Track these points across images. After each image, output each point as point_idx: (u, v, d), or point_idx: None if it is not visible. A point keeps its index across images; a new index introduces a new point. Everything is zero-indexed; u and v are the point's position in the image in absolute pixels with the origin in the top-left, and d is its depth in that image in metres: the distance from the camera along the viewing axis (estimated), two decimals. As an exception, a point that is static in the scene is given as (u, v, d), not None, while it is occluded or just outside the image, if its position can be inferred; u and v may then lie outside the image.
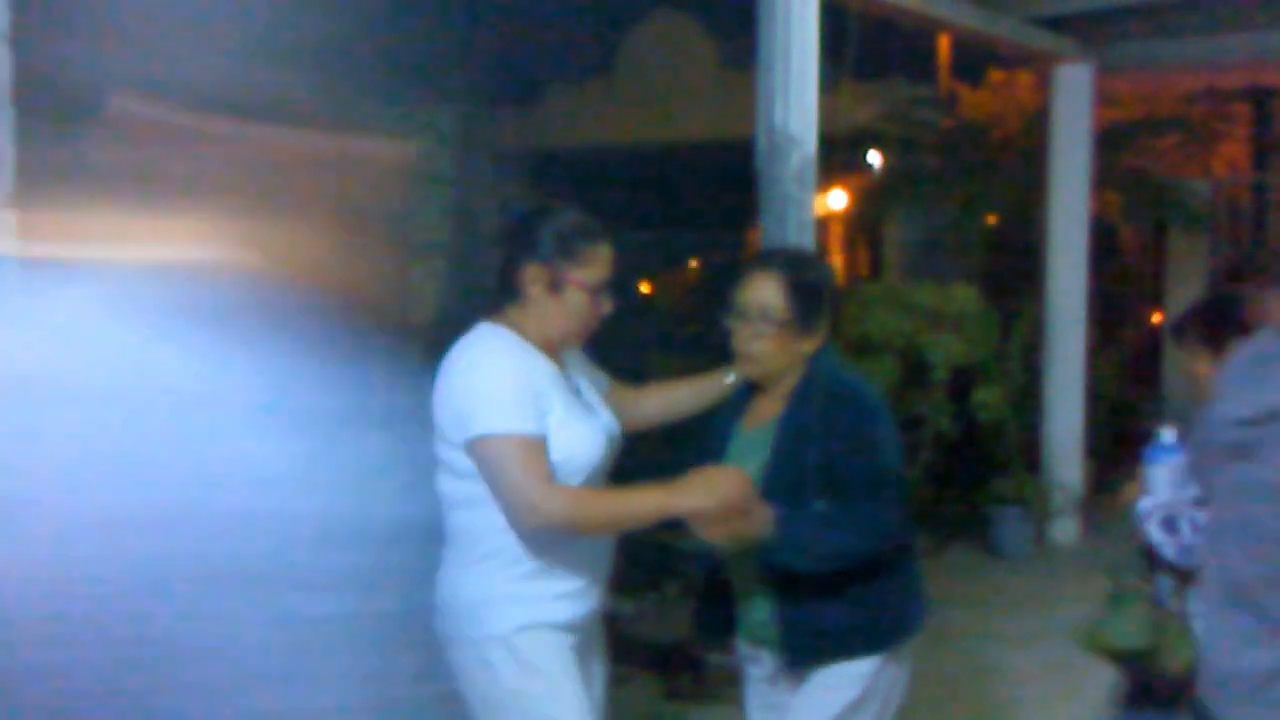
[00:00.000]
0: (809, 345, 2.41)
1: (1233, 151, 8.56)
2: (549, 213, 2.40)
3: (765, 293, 2.39)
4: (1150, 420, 8.90)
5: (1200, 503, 2.38)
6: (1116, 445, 7.63)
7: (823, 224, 10.37)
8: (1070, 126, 6.56)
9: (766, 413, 2.44)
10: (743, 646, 2.55)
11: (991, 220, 8.10)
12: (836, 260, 11.13)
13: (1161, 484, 2.63)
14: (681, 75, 10.36)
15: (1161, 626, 2.58)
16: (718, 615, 2.54)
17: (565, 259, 2.34)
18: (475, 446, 2.25)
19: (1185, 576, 2.55)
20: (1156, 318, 9.57)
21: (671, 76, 10.35)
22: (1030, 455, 6.64)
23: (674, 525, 2.36)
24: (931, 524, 6.17)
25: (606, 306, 2.41)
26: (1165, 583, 2.63)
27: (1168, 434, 2.72)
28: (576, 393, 2.42)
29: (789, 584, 2.34)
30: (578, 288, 2.34)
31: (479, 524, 2.32)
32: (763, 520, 2.23)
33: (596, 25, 10.08)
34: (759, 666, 2.54)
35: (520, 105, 10.17)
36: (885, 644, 2.40)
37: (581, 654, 2.40)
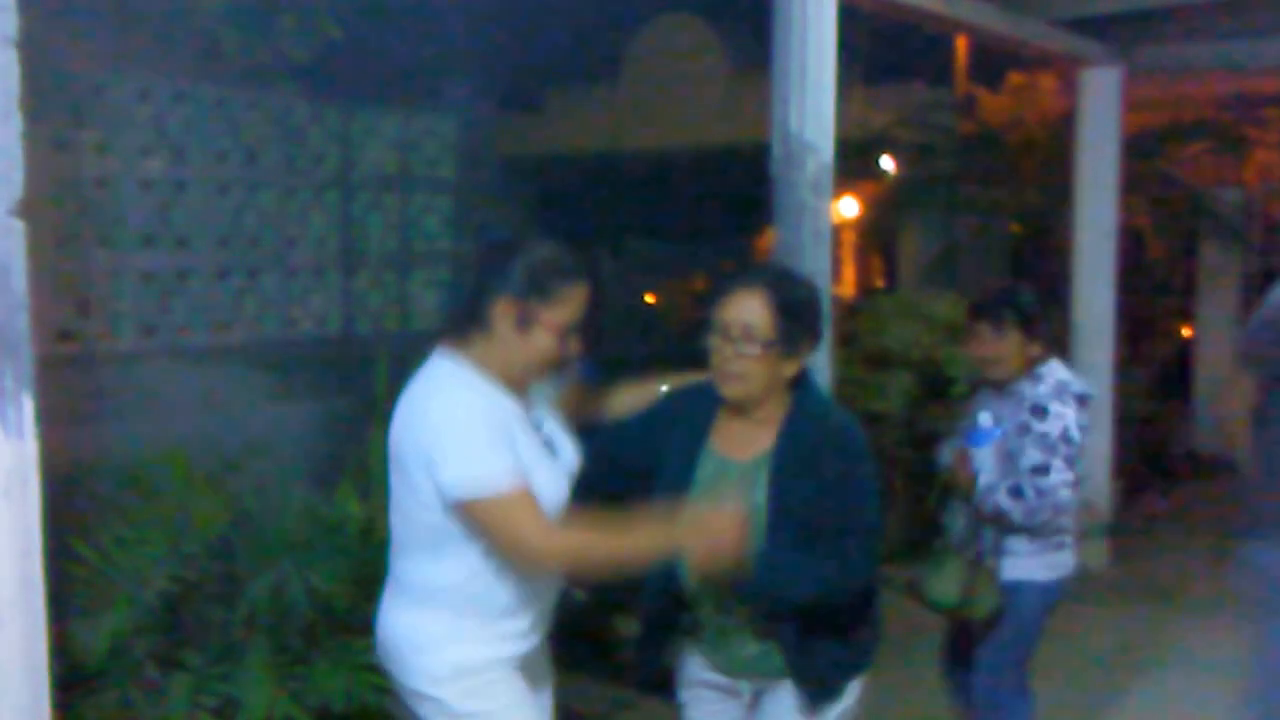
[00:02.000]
0: (791, 368, 2.34)
1: (1266, 158, 8.30)
2: (525, 245, 2.32)
3: (749, 311, 2.30)
4: (1181, 438, 8.71)
5: (1038, 471, 3.09)
6: (1145, 464, 7.39)
7: (835, 233, 10.18)
8: (1098, 132, 6.33)
9: (754, 443, 2.36)
10: (705, 674, 2.50)
11: (1014, 229, 7.87)
12: (849, 271, 10.91)
13: (988, 463, 3.20)
14: (689, 80, 10.16)
15: (972, 581, 3.18)
16: (661, 631, 2.51)
17: (537, 296, 2.26)
18: (464, 508, 2.19)
19: (1033, 532, 3.20)
20: (1187, 331, 9.31)
21: (679, 81, 10.15)
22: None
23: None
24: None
25: (573, 348, 2.33)
26: (988, 539, 3.21)
27: (985, 418, 3.28)
28: (538, 427, 2.35)
29: (795, 625, 2.33)
30: (546, 328, 2.27)
31: (431, 572, 2.28)
32: (745, 559, 2.19)
33: (603, 29, 9.88)
34: (734, 695, 2.50)
35: (525, 111, 9.98)
36: (872, 659, 2.48)
37: (532, 682, 2.38)
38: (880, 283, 10.66)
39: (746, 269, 2.40)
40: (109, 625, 2.63)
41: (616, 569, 2.30)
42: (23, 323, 2.20)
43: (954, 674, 3.60)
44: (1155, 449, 7.97)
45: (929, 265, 8.68)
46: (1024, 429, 3.16)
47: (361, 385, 3.49)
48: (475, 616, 2.28)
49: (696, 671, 2.52)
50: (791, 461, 2.29)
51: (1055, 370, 3.28)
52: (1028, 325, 3.25)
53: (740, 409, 2.37)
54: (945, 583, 3.20)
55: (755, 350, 2.28)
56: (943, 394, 5.89)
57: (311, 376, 4.38)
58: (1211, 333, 9.29)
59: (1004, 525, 3.18)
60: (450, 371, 2.28)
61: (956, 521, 3.31)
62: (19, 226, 2.17)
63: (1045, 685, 4.73)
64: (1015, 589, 3.27)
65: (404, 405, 2.29)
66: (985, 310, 3.33)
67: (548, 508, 2.25)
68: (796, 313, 2.31)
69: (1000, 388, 3.31)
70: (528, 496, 2.18)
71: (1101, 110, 6.34)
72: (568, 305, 2.28)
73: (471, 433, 2.19)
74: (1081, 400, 3.23)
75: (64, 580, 2.69)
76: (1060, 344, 6.53)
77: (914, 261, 9.38)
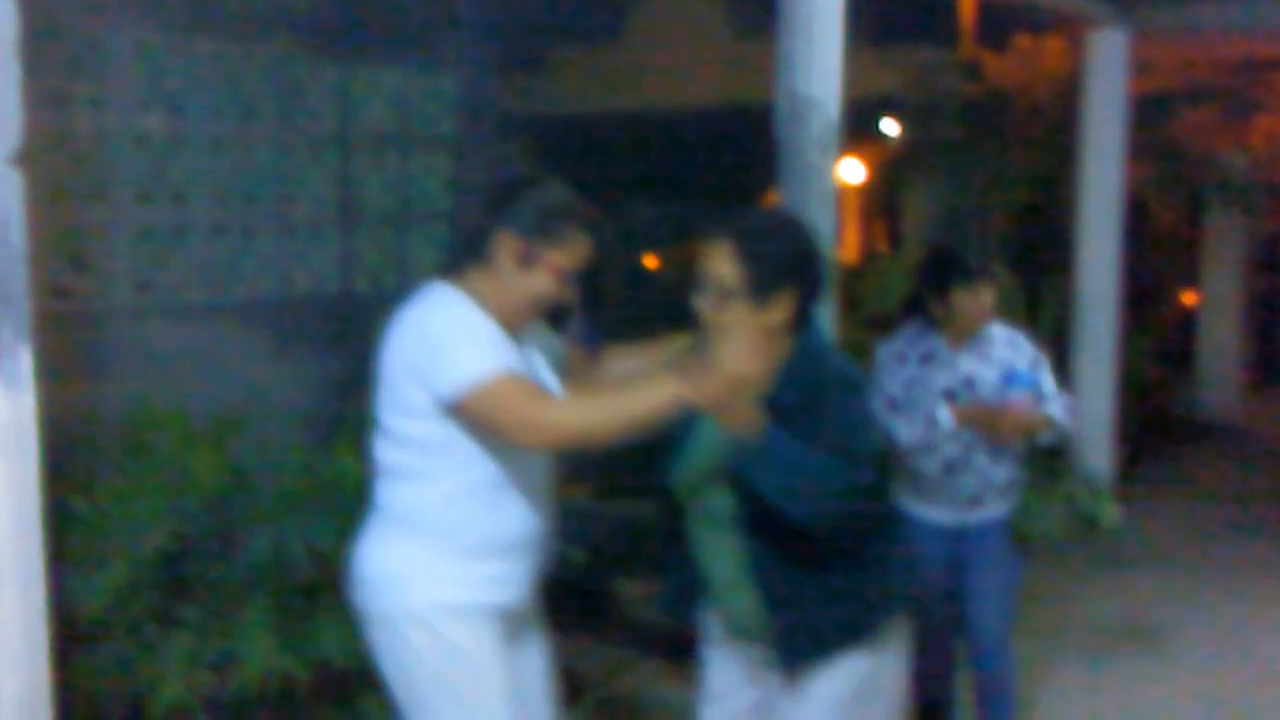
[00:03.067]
0: (772, 316, 2.27)
1: (1273, 124, 8.22)
2: (538, 185, 2.32)
3: (718, 262, 2.27)
4: (1184, 403, 8.68)
5: (1059, 395, 3.47)
6: (1148, 428, 7.38)
7: (839, 196, 10.10)
8: (1103, 95, 6.28)
9: None
10: (714, 627, 2.50)
11: (1018, 193, 7.80)
12: (853, 234, 10.85)
13: (1028, 401, 3.36)
14: (694, 39, 10.04)
15: None
16: (682, 585, 2.47)
17: (543, 237, 2.27)
18: (464, 398, 2.16)
19: None
20: (1191, 298, 9.27)
21: (683, 41, 10.03)
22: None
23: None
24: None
25: (569, 294, 2.34)
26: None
27: (1020, 362, 3.47)
28: (530, 367, 2.33)
29: (771, 585, 2.30)
30: (548, 269, 2.28)
31: (416, 498, 2.28)
32: (758, 423, 2.14)
33: (607, -13, 9.77)
34: (736, 651, 2.47)
35: (527, 69, 9.87)
36: (873, 631, 2.35)
37: (513, 640, 2.36)
38: (883, 247, 10.60)
39: (720, 219, 2.34)
40: (107, 581, 2.62)
41: (633, 429, 2.17)
42: (20, 275, 2.17)
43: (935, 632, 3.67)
44: (1158, 414, 7.95)
45: (932, 229, 8.63)
46: (1035, 363, 3.49)
47: (360, 344, 3.46)
48: (454, 551, 2.27)
49: (715, 630, 2.51)
50: (786, 403, 2.22)
51: (998, 323, 3.60)
52: (993, 279, 3.56)
53: None
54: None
55: (727, 301, 2.25)
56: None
57: (309, 335, 4.35)
58: (1216, 298, 9.26)
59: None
60: (447, 295, 2.29)
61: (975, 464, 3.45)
62: (17, 177, 2.15)
63: (1048, 647, 4.76)
64: (1012, 527, 3.54)
65: (395, 328, 2.28)
66: (979, 269, 3.55)
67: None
68: (766, 260, 2.25)
69: (959, 344, 3.49)
70: (526, 380, 2.18)
71: (1107, 73, 6.28)
72: (572, 250, 2.29)
73: (470, 336, 2.20)
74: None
75: (62, 536, 2.68)
76: (1063, 308, 6.52)
77: (917, 225, 9.33)
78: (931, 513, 3.47)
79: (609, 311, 2.57)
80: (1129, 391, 6.88)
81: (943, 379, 3.45)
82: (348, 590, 2.38)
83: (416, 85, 4.97)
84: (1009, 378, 3.40)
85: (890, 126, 8.72)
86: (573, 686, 3.45)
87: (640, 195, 8.54)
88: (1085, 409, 6.44)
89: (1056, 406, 3.44)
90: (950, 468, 3.44)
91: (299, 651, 2.68)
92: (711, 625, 2.50)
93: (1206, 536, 6.42)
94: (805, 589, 2.30)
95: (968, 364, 3.47)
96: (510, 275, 2.27)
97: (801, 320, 2.32)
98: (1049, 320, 6.47)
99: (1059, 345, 6.46)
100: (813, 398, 2.23)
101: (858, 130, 7.89)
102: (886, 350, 3.60)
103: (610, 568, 4.32)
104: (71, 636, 2.64)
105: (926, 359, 3.50)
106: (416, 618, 2.26)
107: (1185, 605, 5.32)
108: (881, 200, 9.84)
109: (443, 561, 2.27)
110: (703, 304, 2.29)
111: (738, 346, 2.10)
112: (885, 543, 2.42)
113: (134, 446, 2.95)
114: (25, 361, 2.17)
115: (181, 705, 2.60)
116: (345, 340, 4.15)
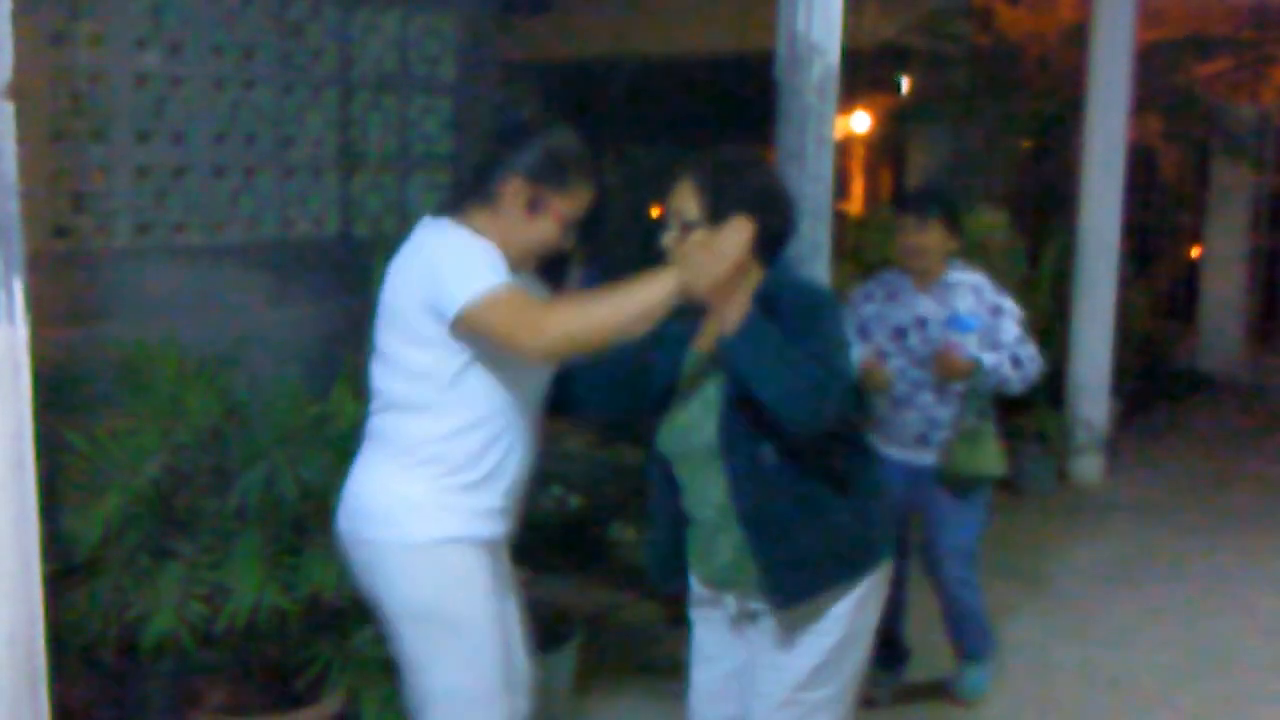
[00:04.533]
0: None
1: (1283, 76, 8.14)
2: (550, 129, 2.34)
3: (681, 197, 2.30)
4: (1185, 357, 8.65)
5: (1020, 341, 3.50)
6: (1146, 382, 7.37)
7: (846, 147, 10.04)
8: (1110, 44, 6.21)
9: (718, 332, 2.31)
10: (700, 590, 2.48)
11: (1024, 143, 7.75)
12: (859, 185, 10.79)
13: (973, 347, 3.48)
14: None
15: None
16: (671, 549, 2.48)
17: (551, 182, 2.29)
18: (466, 311, 2.17)
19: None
20: (1195, 250, 9.22)
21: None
22: (1055, 390, 6.40)
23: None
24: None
25: (569, 241, 2.38)
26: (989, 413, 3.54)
27: (964, 307, 3.56)
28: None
29: (759, 521, 2.29)
30: (553, 215, 2.31)
31: (420, 430, 2.30)
32: (740, 310, 2.16)
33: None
34: (719, 610, 2.47)
35: (531, 12, 9.77)
36: (860, 571, 2.36)
37: (496, 574, 2.42)
38: (889, 197, 10.55)
39: (691, 157, 2.36)
40: (101, 513, 2.65)
41: (629, 329, 2.20)
42: (12, 207, 2.18)
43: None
44: (1157, 366, 7.95)
45: (936, 179, 8.57)
46: (995, 311, 3.55)
47: (359, 287, 3.47)
48: (457, 487, 2.30)
49: (697, 588, 2.49)
50: (755, 328, 2.20)
51: (965, 269, 3.62)
52: (950, 220, 3.54)
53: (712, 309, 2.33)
54: (988, 456, 3.50)
55: (688, 236, 2.27)
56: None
57: (308, 278, 4.37)
58: (1220, 252, 9.21)
59: (1003, 394, 3.56)
60: (450, 227, 2.31)
61: (972, 403, 3.51)
62: (8, 110, 2.15)
63: (1039, 593, 4.81)
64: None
65: (398, 262, 2.31)
66: (911, 202, 3.67)
67: (533, 383, 2.32)
68: (725, 193, 2.26)
69: (924, 285, 3.58)
70: (523, 293, 2.21)
71: (1114, 21, 6.21)
72: (577, 197, 2.32)
73: (471, 255, 2.22)
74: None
75: (57, 471, 2.71)
76: (1064, 258, 6.49)
77: (922, 176, 9.27)
78: (888, 449, 3.57)
79: (613, 259, 2.58)
80: (1128, 344, 6.87)
81: (899, 316, 3.60)
82: (340, 519, 2.40)
83: (417, 26, 4.94)
84: (950, 320, 3.53)
85: (900, 78, 8.65)
86: (564, 626, 3.51)
87: (645, 141, 8.49)
88: (1082, 359, 6.44)
89: (997, 356, 3.47)
90: (896, 404, 3.59)
91: (290, 585, 2.71)
92: (696, 585, 2.49)
93: (1196, 488, 6.46)
94: (794, 524, 2.29)
95: (925, 305, 3.57)
96: (516, 219, 2.29)
97: (768, 257, 2.32)
98: (1049, 269, 6.45)
99: (1060, 295, 6.46)
100: (786, 317, 2.21)
101: (867, 80, 7.83)
102: (859, 289, 3.76)
103: (607, 512, 4.36)
104: (67, 568, 2.69)
105: (891, 297, 3.65)
106: (417, 549, 2.29)
107: (1172, 555, 5.37)
108: (889, 150, 9.77)
109: (445, 494, 2.30)
110: (668, 239, 2.31)
111: (707, 251, 2.16)
112: (870, 480, 2.43)
113: (131, 383, 2.97)
114: (18, 294, 2.18)
115: (173, 635, 2.64)
116: (344, 284, 4.16)
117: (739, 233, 2.17)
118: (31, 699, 2.15)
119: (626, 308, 2.15)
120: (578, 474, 4.37)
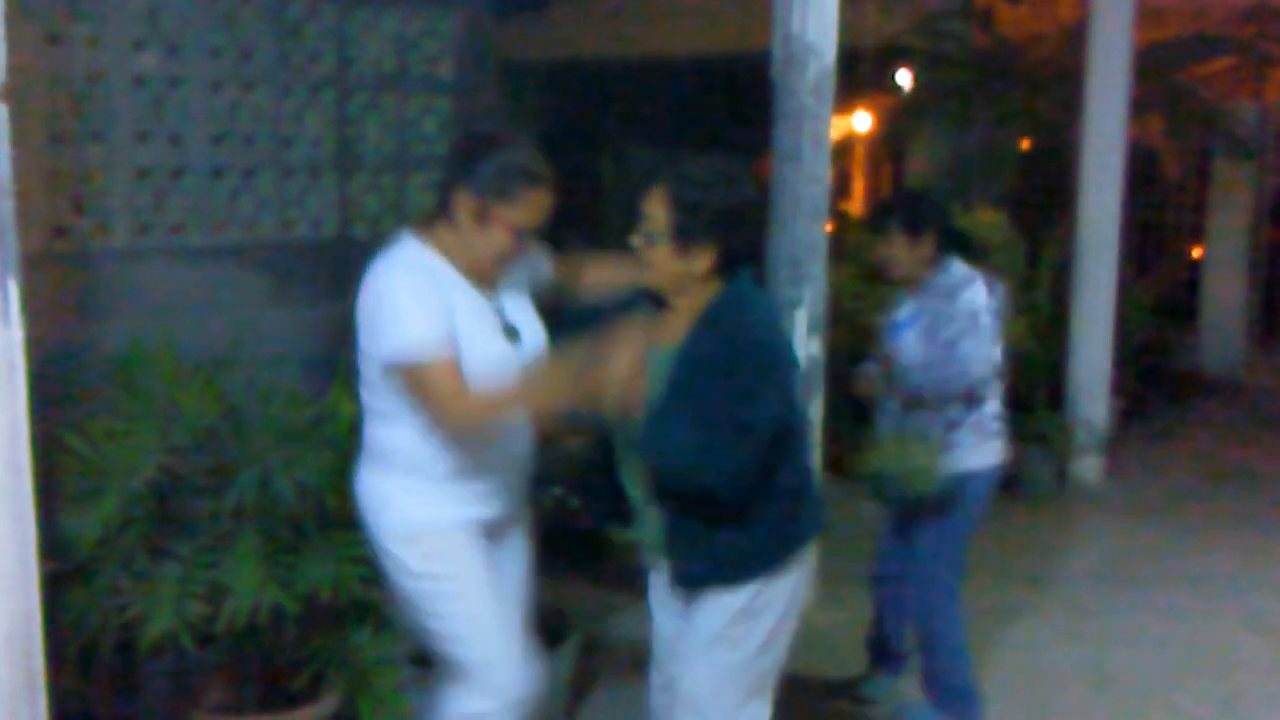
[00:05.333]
0: (697, 264, 2.40)
1: (1284, 75, 8.13)
2: (496, 145, 2.44)
3: (653, 205, 2.41)
4: (1185, 358, 8.63)
5: (949, 344, 3.35)
6: (1146, 382, 7.36)
7: (847, 147, 10.02)
8: (1109, 44, 6.21)
9: (676, 332, 2.45)
10: (643, 546, 2.66)
11: (1023, 142, 7.74)
12: (860, 185, 10.78)
13: (912, 351, 3.44)
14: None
15: (909, 454, 3.34)
16: (604, 483, 2.63)
17: (497, 196, 2.39)
18: (394, 367, 2.39)
19: (946, 405, 3.42)
20: (1196, 250, 9.20)
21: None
22: (1055, 390, 6.40)
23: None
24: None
25: (529, 249, 2.52)
26: (937, 423, 3.43)
27: (903, 312, 3.55)
28: (500, 314, 2.52)
29: (677, 505, 2.44)
30: (501, 227, 2.41)
31: (390, 436, 2.50)
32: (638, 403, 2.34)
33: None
34: (656, 570, 2.67)
35: (529, 12, 9.77)
36: (769, 567, 2.48)
37: (494, 545, 2.59)
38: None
39: (665, 165, 2.44)
40: (99, 514, 2.66)
41: (529, 415, 2.50)
42: (7, 208, 2.19)
43: (882, 580, 3.76)
44: (1158, 367, 7.94)
45: (936, 179, 8.57)
46: (937, 313, 3.43)
47: (357, 288, 3.48)
48: (428, 479, 2.49)
49: (647, 563, 2.69)
50: (691, 351, 2.38)
51: (958, 265, 3.52)
52: (911, 229, 3.46)
53: (667, 299, 2.48)
54: (882, 456, 3.39)
55: (653, 243, 2.40)
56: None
57: (306, 278, 4.37)
58: (1221, 252, 9.20)
59: (921, 402, 3.43)
60: (405, 252, 2.45)
61: (887, 407, 3.53)
62: (3, 112, 2.15)
63: (1040, 595, 4.81)
64: (960, 480, 3.42)
65: (364, 282, 2.47)
66: (872, 217, 3.72)
67: (485, 378, 2.42)
68: (692, 210, 2.36)
69: (912, 289, 3.55)
70: (450, 367, 2.36)
71: (1113, 20, 6.21)
72: (525, 208, 2.41)
73: (408, 305, 2.36)
74: (990, 287, 3.48)
75: (55, 471, 2.72)
76: (1062, 255, 6.48)
77: (922, 175, 9.27)
78: None
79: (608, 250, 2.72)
80: (1129, 344, 6.87)
81: (887, 320, 3.65)
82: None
83: (415, 26, 4.94)
84: (890, 327, 3.55)
85: (902, 78, 8.64)
86: (564, 626, 3.51)
87: (642, 139, 8.49)
88: (1082, 360, 6.44)
89: (917, 370, 3.40)
90: (878, 410, 3.61)
91: (287, 584, 2.72)
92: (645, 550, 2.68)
93: (1196, 489, 6.46)
94: (697, 536, 2.46)
95: (903, 309, 3.58)
96: (469, 232, 2.43)
97: (727, 272, 2.42)
98: (1049, 269, 6.45)
99: (1059, 295, 6.45)
100: (720, 356, 2.33)
101: (867, 80, 7.82)
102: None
103: (605, 514, 4.36)
104: (64, 568, 2.69)
105: (898, 302, 3.66)
106: (395, 535, 2.52)
107: (1169, 556, 5.36)
108: (889, 149, 9.76)
109: (416, 485, 2.51)
110: (636, 241, 2.43)
111: (617, 362, 2.29)
112: (785, 502, 2.49)
113: (128, 384, 2.98)
114: (13, 294, 2.19)
115: (170, 635, 2.64)
116: (342, 285, 4.16)
117: (565, 374, 2.32)
118: (30, 699, 2.16)
119: (531, 403, 2.41)
120: (574, 475, 4.37)
